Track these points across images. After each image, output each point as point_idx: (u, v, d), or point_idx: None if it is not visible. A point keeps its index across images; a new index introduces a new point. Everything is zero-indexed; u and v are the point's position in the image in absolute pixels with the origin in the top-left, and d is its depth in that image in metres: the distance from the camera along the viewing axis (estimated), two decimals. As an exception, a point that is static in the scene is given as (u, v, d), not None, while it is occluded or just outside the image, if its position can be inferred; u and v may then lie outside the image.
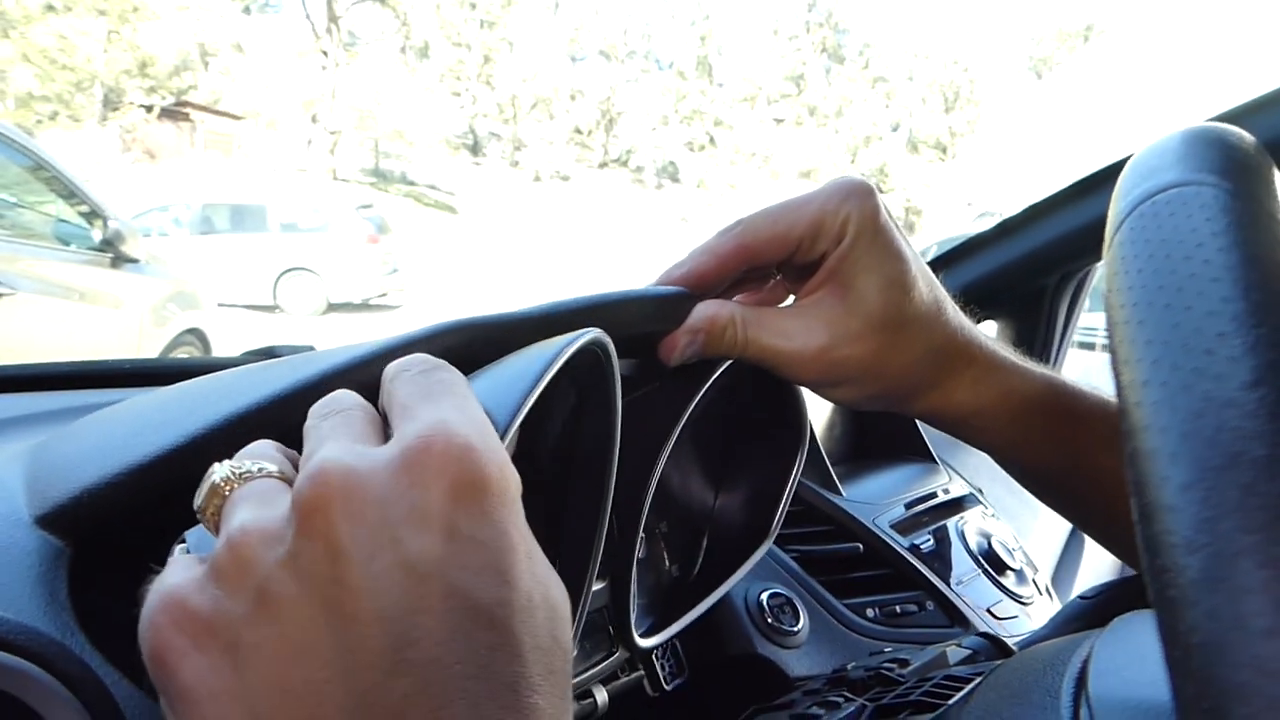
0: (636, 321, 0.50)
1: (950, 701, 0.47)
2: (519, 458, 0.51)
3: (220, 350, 4.62)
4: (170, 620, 0.25)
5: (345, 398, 0.32)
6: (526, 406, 0.34)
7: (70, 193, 3.97)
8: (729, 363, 0.54)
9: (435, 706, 0.23)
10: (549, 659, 0.25)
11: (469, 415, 0.28)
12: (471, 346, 0.44)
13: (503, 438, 0.31)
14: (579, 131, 31.79)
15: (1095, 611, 0.66)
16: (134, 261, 4.04)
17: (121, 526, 0.47)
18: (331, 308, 11.05)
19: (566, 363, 0.38)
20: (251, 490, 0.28)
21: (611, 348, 0.43)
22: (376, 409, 0.32)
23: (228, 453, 0.32)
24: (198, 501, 0.30)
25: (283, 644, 0.24)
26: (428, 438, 0.26)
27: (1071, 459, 0.54)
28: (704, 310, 0.50)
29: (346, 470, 0.26)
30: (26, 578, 0.47)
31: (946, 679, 0.51)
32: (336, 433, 0.29)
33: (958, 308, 0.53)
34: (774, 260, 0.51)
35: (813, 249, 0.49)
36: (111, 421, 0.60)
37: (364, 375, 0.46)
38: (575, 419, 0.48)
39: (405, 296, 12.13)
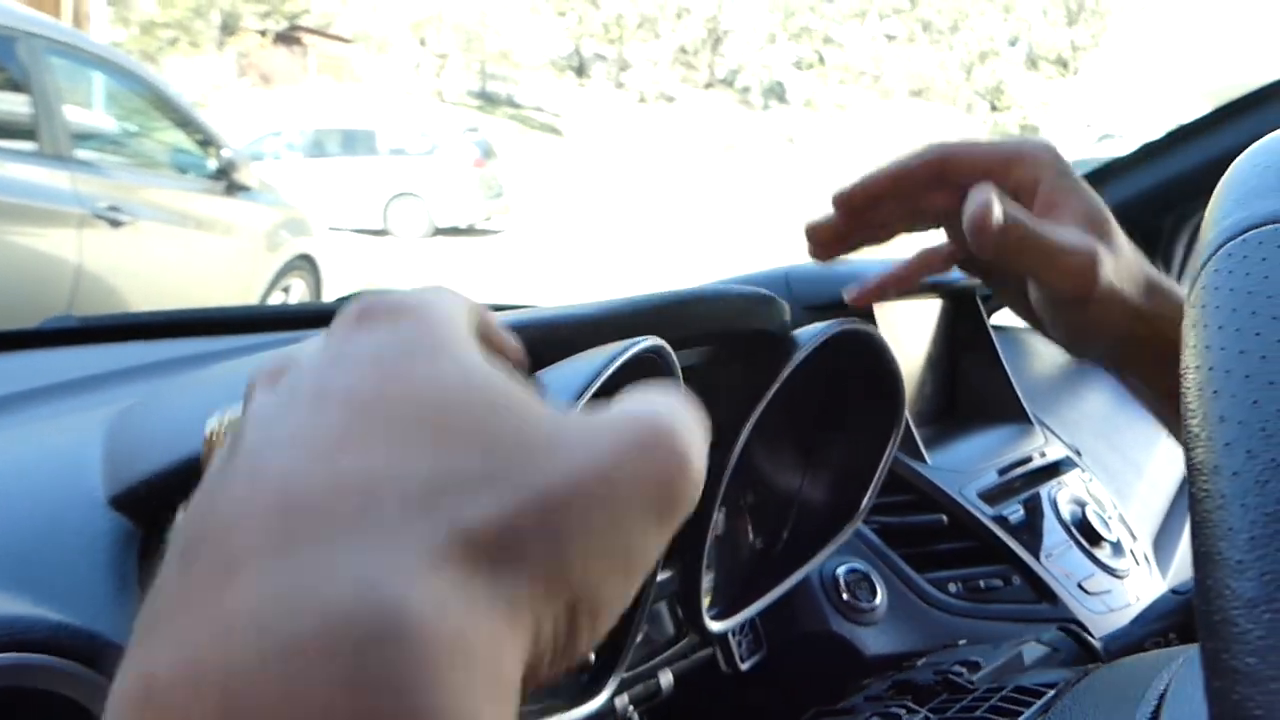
0: (723, 317, 0.50)
1: (1017, 721, 0.45)
2: None
3: (330, 275, 4.73)
4: None
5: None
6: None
7: (186, 121, 4.08)
8: (808, 351, 0.52)
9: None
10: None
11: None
12: (542, 344, 0.44)
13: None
14: (684, 51, 31.21)
15: (1186, 611, 0.62)
16: (246, 189, 4.14)
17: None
18: (438, 231, 11.20)
19: (625, 364, 0.37)
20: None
21: (668, 352, 0.42)
22: None
23: None
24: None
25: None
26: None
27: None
28: (980, 196, 0.47)
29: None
30: (98, 562, 0.48)
31: (1017, 690, 0.49)
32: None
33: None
34: (965, 178, 0.50)
35: (1006, 176, 0.50)
36: (189, 395, 0.62)
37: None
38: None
39: (509, 221, 12.21)
